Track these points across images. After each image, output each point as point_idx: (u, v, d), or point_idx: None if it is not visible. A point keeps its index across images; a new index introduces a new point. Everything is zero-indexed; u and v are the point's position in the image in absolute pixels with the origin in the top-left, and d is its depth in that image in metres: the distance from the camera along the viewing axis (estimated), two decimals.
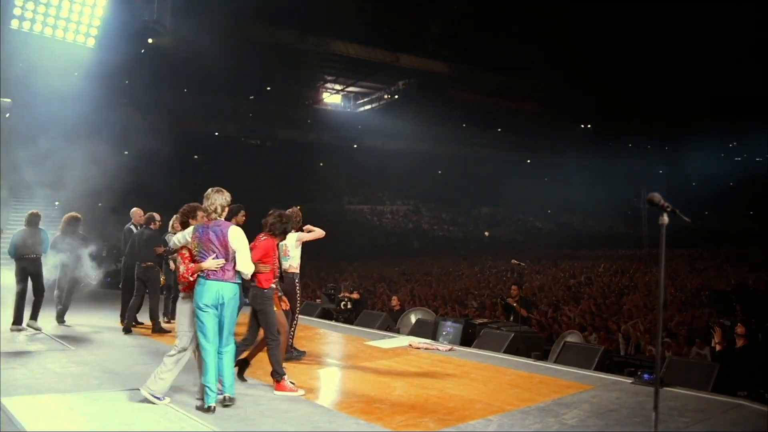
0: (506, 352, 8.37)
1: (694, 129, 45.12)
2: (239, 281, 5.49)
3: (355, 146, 47.71)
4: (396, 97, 44.17)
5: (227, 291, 5.38)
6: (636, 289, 17.38)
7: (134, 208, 10.20)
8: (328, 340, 6.99)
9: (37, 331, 9.01)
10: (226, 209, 5.53)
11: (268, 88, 42.27)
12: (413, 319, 10.86)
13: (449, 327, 9.57)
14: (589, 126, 53.46)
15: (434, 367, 7.29)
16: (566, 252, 35.46)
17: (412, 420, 5.20)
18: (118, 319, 10.10)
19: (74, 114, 15.45)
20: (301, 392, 5.91)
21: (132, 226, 10.05)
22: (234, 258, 5.39)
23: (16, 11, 16.85)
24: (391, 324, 10.82)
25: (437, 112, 42.65)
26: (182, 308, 5.62)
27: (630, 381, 6.53)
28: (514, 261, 10.03)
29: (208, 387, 5.24)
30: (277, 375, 5.98)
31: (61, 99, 15.77)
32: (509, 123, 48.73)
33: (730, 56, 37.64)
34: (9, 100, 19.34)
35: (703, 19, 33.83)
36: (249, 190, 36.18)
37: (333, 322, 11.09)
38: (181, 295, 5.65)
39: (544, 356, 8.60)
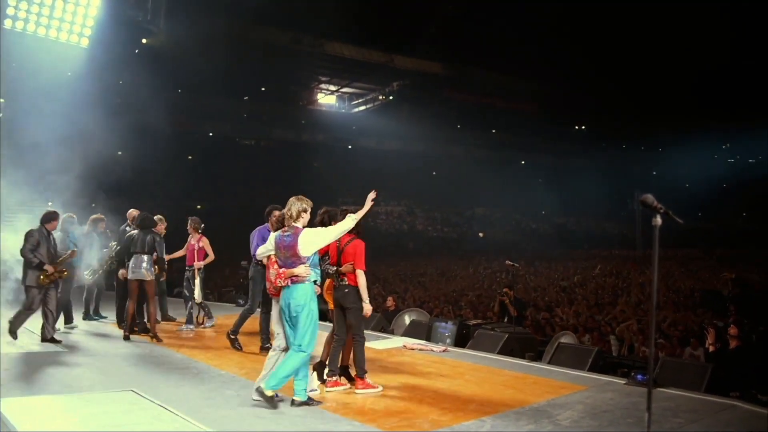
0: (500, 353, 8.38)
1: (688, 130, 45.19)
2: (313, 279, 5.65)
3: (350, 147, 47.69)
4: (390, 97, 44.15)
5: (293, 295, 5.54)
6: (629, 290, 17.44)
7: (131, 210, 10.12)
8: (322, 340, 6.98)
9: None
10: (303, 215, 5.63)
11: (263, 89, 42.22)
12: (407, 320, 10.87)
13: (443, 328, 9.58)
14: (583, 127, 53.55)
15: (428, 368, 7.29)
16: (561, 253, 35.53)
17: (406, 421, 5.20)
18: (112, 320, 10.11)
19: (68, 114, 15.37)
20: (380, 389, 6.10)
21: (127, 227, 9.98)
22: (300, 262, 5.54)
23: (10, 11, 16.76)
24: (386, 325, 10.81)
25: (432, 113, 42.67)
26: (277, 311, 5.88)
27: (623, 382, 6.54)
28: (508, 262, 10.03)
29: (298, 382, 5.50)
30: (361, 371, 6.12)
31: (54, 99, 15.69)
32: (504, 124, 48.77)
33: (723, 58, 37.77)
34: (2, 100, 19.26)
35: (697, 20, 33.93)
36: (243, 190, 36.16)
37: (327, 323, 11.07)
38: (275, 299, 5.91)
39: (538, 357, 8.61)
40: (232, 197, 36.48)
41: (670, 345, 9.63)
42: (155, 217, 9.50)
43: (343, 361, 6.41)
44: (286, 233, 5.57)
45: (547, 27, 34.50)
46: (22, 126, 15.97)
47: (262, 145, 45.86)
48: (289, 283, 5.49)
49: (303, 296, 5.48)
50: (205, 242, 9.84)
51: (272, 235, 5.83)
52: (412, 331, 10.01)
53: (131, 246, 8.94)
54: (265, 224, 7.96)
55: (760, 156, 46.70)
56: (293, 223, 5.57)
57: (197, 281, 9.67)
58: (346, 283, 6.20)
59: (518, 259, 13.85)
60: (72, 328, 9.57)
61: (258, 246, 7.25)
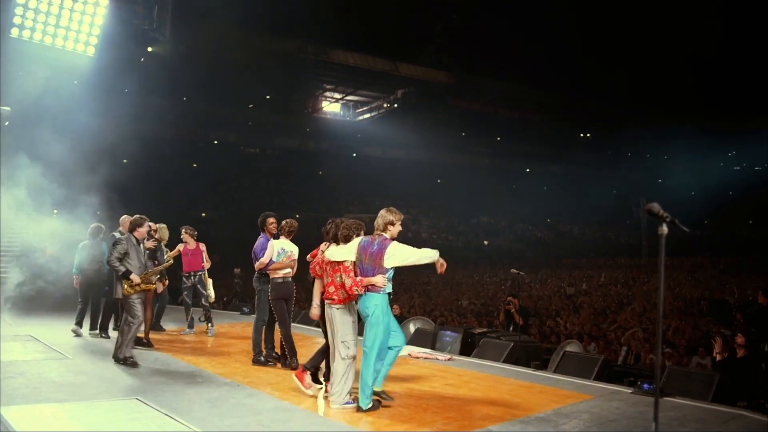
0: (506, 361, 8.35)
1: (693, 138, 45.15)
2: (388, 291, 5.69)
3: (354, 155, 47.74)
4: (395, 106, 44.17)
5: (366, 302, 5.64)
6: (635, 298, 17.37)
7: (123, 216, 9.88)
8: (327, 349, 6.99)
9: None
10: (389, 227, 5.86)
11: (267, 97, 42.32)
12: (412, 328, 10.83)
13: (448, 336, 9.55)
14: (588, 135, 53.51)
15: (433, 376, 7.27)
16: (565, 261, 35.44)
17: (412, 429, 5.18)
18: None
19: (73, 122, 15.46)
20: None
21: (118, 234, 9.69)
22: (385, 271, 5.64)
23: (17, 20, 16.86)
24: None
25: (436, 121, 42.70)
26: (344, 319, 5.84)
27: (630, 391, 6.50)
28: (513, 270, 10.01)
29: (365, 389, 5.52)
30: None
31: (60, 107, 15.78)
32: (508, 131, 48.73)
33: (729, 65, 37.76)
34: (9, 108, 19.34)
35: (703, 26, 33.92)
36: (248, 198, 36.21)
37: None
38: (336, 307, 5.84)
39: (543, 366, 8.57)
40: (236, 205, 36.52)
41: (678, 354, 9.58)
42: (159, 225, 9.59)
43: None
44: (374, 241, 5.72)
45: (552, 35, 34.54)
46: (28, 134, 16.04)
47: (267, 153, 45.95)
48: (365, 292, 5.60)
49: (373, 305, 5.59)
50: (203, 248, 10.08)
51: (355, 241, 5.88)
52: (417, 340, 9.97)
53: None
54: (262, 234, 8.01)
55: (767, 164, 46.61)
56: (382, 233, 5.76)
57: (209, 283, 9.87)
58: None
59: (523, 268, 13.81)
60: (99, 335, 9.60)
61: (262, 255, 7.35)
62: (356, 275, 5.68)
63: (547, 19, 33.89)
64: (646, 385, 6.40)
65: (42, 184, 14.82)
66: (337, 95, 46.68)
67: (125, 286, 7.39)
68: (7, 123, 18.70)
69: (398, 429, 5.18)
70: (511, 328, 10.64)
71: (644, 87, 40.99)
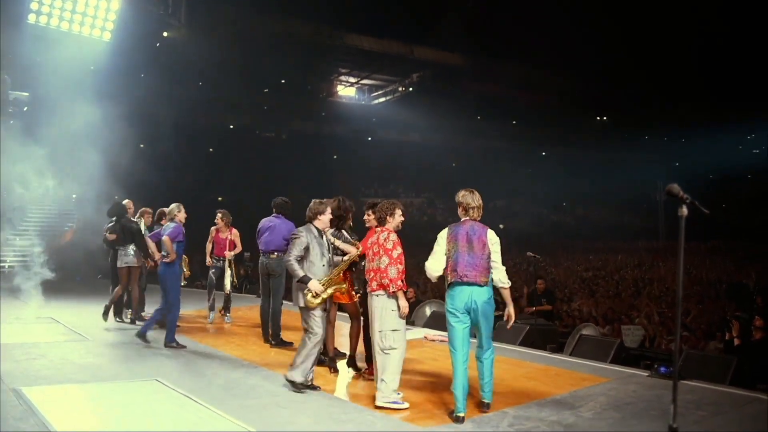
0: (521, 344, 8.36)
1: (711, 120, 44.54)
2: (491, 285, 5.23)
3: (369, 139, 47.64)
4: (410, 89, 43.91)
5: (481, 295, 5.13)
6: (652, 281, 17.29)
7: (126, 200, 9.90)
8: (343, 332, 7.02)
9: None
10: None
11: (283, 81, 42.24)
12: (428, 311, 10.87)
13: None
14: (605, 118, 52.98)
15: (449, 359, 7.29)
16: (582, 244, 35.29)
17: (428, 412, 5.21)
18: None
19: (90, 108, 15.56)
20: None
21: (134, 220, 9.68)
22: (489, 260, 5.17)
23: (34, 5, 17.00)
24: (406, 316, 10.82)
25: (452, 105, 42.41)
26: (386, 305, 5.37)
27: (646, 374, 6.50)
28: (529, 253, 9.98)
29: (456, 396, 4.97)
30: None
31: (77, 92, 15.88)
32: (525, 115, 48.34)
33: (748, 46, 37.14)
34: (27, 94, 19.53)
35: (722, 9, 33.38)
36: (263, 182, 36.30)
37: (346, 314, 11.09)
38: (377, 293, 5.40)
39: (559, 349, 8.58)
40: (252, 189, 36.63)
41: (695, 338, 9.54)
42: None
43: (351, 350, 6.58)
44: (475, 225, 5.30)
45: (568, 18, 34.15)
46: (47, 119, 16.18)
47: (283, 137, 45.97)
48: (483, 283, 5.11)
49: (487, 294, 5.16)
50: (236, 234, 9.97)
51: (443, 233, 5.39)
52: (433, 323, 10.01)
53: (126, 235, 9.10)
54: (273, 216, 7.98)
55: None
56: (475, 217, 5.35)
57: (229, 272, 9.82)
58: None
59: (539, 251, 13.78)
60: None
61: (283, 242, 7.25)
62: (451, 265, 5.15)
63: (563, 1, 33.51)
64: (662, 368, 6.39)
65: (59, 168, 14.99)
66: (353, 79, 46.49)
67: (307, 296, 5.64)
68: (26, 108, 18.88)
69: (414, 411, 5.22)
70: (534, 309, 10.65)
71: (661, 69, 40.47)
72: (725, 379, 6.27)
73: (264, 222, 8.12)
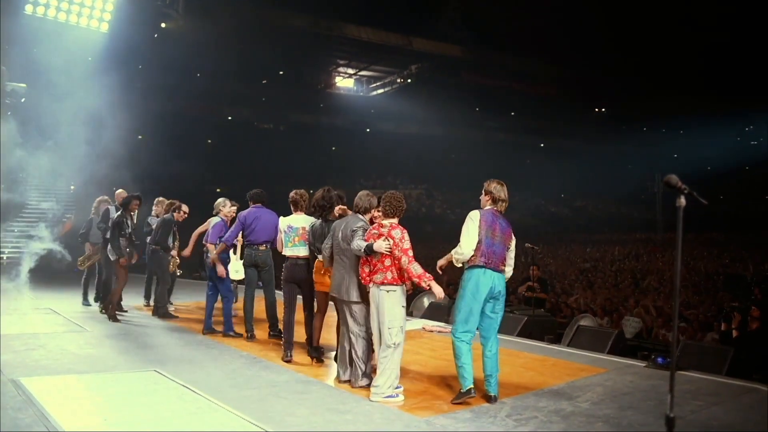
0: (519, 335, 8.39)
1: (710, 112, 44.52)
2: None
3: (368, 130, 47.58)
4: (409, 80, 43.84)
5: (502, 282, 5.30)
6: (650, 273, 17.32)
7: (119, 189, 9.87)
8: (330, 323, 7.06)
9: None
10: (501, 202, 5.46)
11: (281, 73, 42.17)
12: (426, 302, 10.89)
13: None
14: (603, 110, 52.94)
15: (447, 350, 7.28)
16: (580, 236, 35.31)
17: (426, 402, 5.23)
18: (137, 301, 10.26)
19: (88, 99, 15.51)
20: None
21: (112, 208, 9.70)
22: (506, 254, 5.37)
23: None
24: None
25: (450, 96, 42.34)
26: (398, 300, 5.35)
27: (643, 364, 6.52)
28: (528, 244, 9.99)
29: (467, 372, 5.14)
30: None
31: (75, 84, 15.83)
32: (523, 106, 48.31)
33: (746, 38, 37.06)
34: (24, 85, 19.47)
35: (720, 1, 33.31)
36: (262, 173, 36.27)
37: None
38: (389, 288, 5.32)
39: (557, 340, 8.61)
40: (250, 181, 36.65)
41: (692, 329, 9.57)
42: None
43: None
44: (501, 216, 5.40)
45: (567, 9, 34.06)
46: (44, 111, 16.13)
47: (281, 128, 45.90)
48: (502, 272, 5.29)
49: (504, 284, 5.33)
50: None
51: (476, 214, 5.37)
52: (431, 314, 10.04)
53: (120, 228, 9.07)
54: (254, 208, 7.87)
55: None
56: (501, 209, 5.40)
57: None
58: None
59: (538, 243, 13.78)
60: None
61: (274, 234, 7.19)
62: (481, 249, 5.19)
63: None
64: (659, 359, 6.42)
65: (57, 160, 14.96)
66: (351, 70, 46.39)
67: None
68: (23, 100, 18.82)
69: (413, 401, 5.23)
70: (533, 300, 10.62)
71: (659, 61, 40.41)
72: (722, 369, 6.30)
73: (248, 214, 7.77)
